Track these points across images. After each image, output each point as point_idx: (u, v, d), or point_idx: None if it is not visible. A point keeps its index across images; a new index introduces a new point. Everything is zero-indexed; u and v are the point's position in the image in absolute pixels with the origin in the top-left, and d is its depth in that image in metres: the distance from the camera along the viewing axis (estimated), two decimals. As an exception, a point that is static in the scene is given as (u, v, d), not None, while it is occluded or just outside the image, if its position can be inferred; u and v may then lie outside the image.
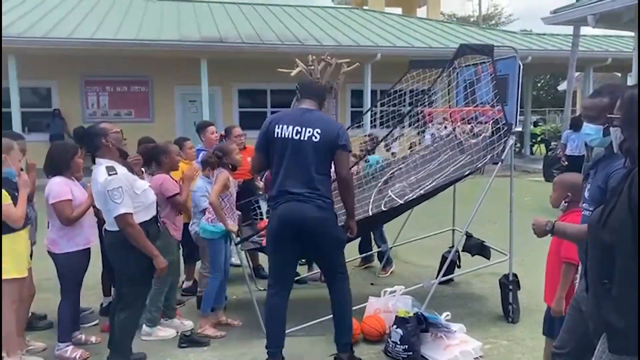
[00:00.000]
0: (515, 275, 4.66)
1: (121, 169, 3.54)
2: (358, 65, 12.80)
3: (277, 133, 3.59)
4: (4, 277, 3.65)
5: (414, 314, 3.98)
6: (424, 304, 4.38)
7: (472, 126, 4.95)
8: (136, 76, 15.57)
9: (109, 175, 3.39)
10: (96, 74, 15.29)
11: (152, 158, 4.50)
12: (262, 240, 4.71)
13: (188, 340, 4.18)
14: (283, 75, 12.50)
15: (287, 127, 3.57)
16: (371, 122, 7.93)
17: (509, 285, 4.61)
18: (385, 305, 4.30)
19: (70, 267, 3.92)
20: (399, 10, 25.30)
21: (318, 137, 3.53)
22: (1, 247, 3.55)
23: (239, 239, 4.55)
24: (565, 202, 3.10)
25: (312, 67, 12.30)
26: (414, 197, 4.65)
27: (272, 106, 16.88)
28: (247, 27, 16.08)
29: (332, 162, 3.63)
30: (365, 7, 22.89)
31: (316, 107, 3.74)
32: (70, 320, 4.04)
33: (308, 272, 5.86)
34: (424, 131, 5.96)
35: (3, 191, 3.56)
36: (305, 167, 3.53)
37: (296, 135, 3.55)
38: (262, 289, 5.47)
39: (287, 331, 4.33)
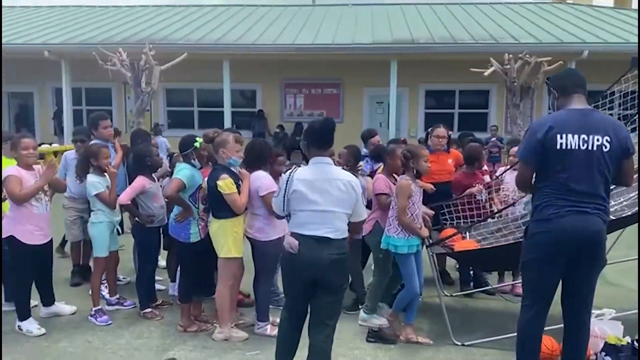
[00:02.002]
0: None
1: None
2: (561, 64, 11.79)
3: (562, 144, 3.11)
4: (225, 255, 4.15)
5: (628, 342, 3.52)
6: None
7: None
8: (329, 79, 16.42)
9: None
10: (294, 77, 16.51)
11: (380, 156, 4.67)
12: (454, 245, 4.60)
13: (376, 335, 4.27)
14: (474, 76, 12.11)
15: (573, 137, 3.10)
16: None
17: None
18: (592, 329, 3.87)
19: (272, 254, 4.24)
20: (610, 2, 22.66)
21: (608, 145, 3.09)
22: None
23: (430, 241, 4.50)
24: None
25: (508, 66, 11.70)
26: (630, 214, 4.10)
27: (460, 107, 16.49)
28: (439, 27, 15.89)
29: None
30: (569, 1, 20.97)
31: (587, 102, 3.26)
32: (269, 300, 4.42)
33: (498, 282, 5.56)
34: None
35: (230, 180, 4.04)
36: (592, 179, 3.13)
37: (583, 145, 3.09)
38: (449, 294, 5.37)
39: (476, 341, 4.22)
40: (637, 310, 4.04)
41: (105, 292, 5.00)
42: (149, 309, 4.74)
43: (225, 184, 4.03)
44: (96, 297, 4.69)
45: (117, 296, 4.98)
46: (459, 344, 4.22)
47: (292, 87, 16.82)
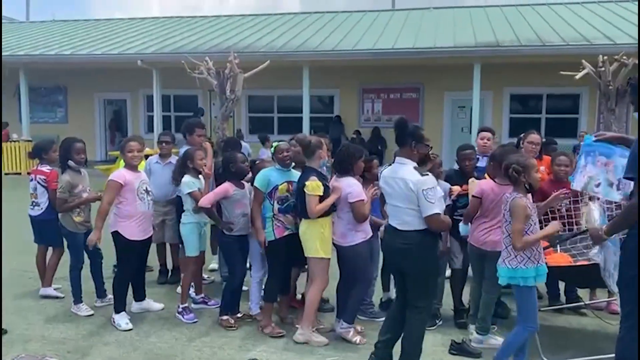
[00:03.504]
0: None
1: None
2: (663, 65, 10.93)
3: None
4: (314, 255, 4.21)
5: None
6: None
7: None
8: (409, 83, 16.22)
9: (422, 175, 3.49)
10: (373, 83, 16.45)
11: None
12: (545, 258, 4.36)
13: (459, 348, 4.13)
14: (563, 79, 11.48)
15: None
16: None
17: None
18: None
19: (357, 257, 4.25)
20: None
21: None
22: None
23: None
24: None
25: (603, 69, 10.98)
26: None
27: (547, 112, 15.76)
28: (526, 29, 15.24)
29: None
30: (672, -3, 19.40)
31: None
32: (359, 305, 4.41)
33: (590, 299, 5.20)
34: None
35: (318, 183, 4.10)
36: None
37: None
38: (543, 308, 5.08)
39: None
40: None
41: (191, 290, 5.18)
42: (226, 317, 4.65)
43: (312, 185, 4.11)
44: (185, 295, 4.87)
45: (203, 295, 5.15)
46: (549, 362, 4.01)
47: (370, 92, 16.78)
